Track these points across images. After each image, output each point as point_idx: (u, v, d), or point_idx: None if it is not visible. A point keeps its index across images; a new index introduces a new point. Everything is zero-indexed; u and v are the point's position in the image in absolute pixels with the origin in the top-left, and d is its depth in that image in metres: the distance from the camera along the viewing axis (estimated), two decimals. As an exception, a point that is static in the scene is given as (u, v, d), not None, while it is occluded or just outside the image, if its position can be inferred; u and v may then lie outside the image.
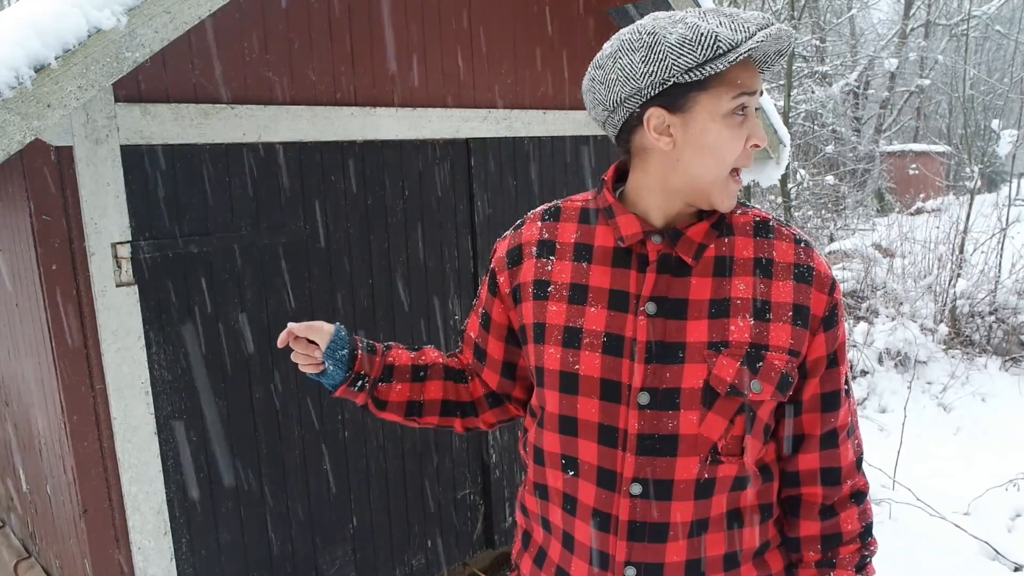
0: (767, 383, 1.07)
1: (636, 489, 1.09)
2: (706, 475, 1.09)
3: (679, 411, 1.07)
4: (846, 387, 1.16)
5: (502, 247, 1.26)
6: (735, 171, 1.10)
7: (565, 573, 1.19)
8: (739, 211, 1.16)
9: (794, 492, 1.18)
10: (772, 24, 1.03)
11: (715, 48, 1.00)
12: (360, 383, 1.27)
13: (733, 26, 1.02)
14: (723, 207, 1.10)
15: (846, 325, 1.18)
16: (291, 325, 1.25)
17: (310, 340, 1.26)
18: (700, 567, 1.12)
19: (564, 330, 1.13)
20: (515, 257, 1.22)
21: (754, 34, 1.01)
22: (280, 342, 1.26)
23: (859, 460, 1.19)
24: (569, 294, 1.15)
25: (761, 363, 1.07)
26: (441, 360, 1.35)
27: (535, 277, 1.18)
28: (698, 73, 1.01)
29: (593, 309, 1.12)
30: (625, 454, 1.09)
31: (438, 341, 2.93)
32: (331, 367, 1.25)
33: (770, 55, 1.07)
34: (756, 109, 1.09)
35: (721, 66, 1.00)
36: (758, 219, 1.15)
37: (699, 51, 1.01)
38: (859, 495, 1.19)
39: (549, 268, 1.18)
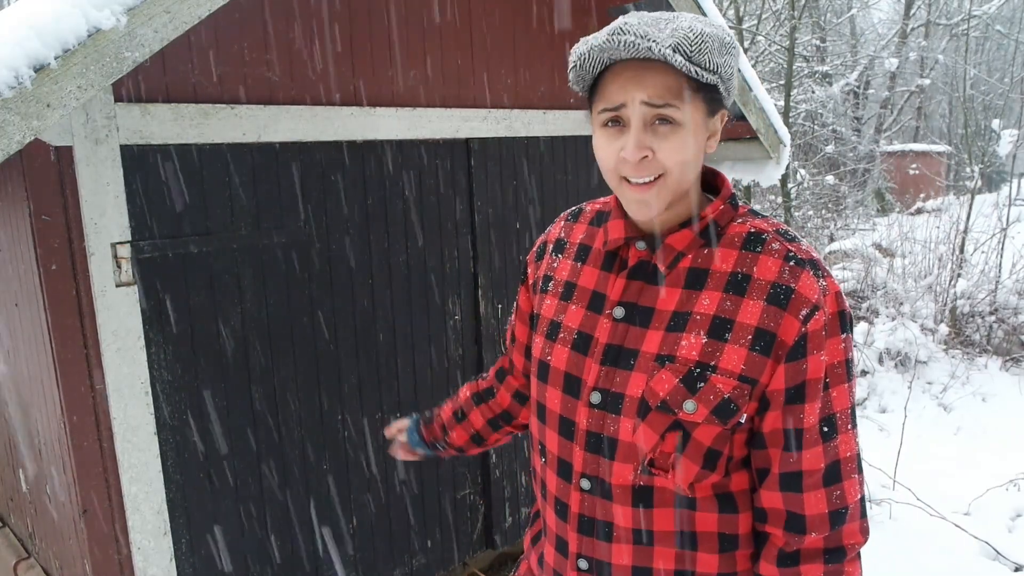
0: (703, 405, 1.02)
1: (585, 484, 1.14)
2: (641, 483, 1.08)
3: (620, 416, 1.08)
4: (824, 428, 1.03)
5: (537, 242, 1.37)
6: (628, 181, 1.05)
7: (542, 554, 1.28)
8: (739, 220, 1.09)
9: (760, 527, 1.11)
10: (614, 32, 0.99)
11: (571, 67, 1.06)
12: (438, 446, 1.59)
13: (585, 42, 1.03)
14: (633, 215, 1.10)
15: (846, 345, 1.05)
16: (386, 431, 1.67)
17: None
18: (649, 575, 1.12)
19: (550, 323, 1.21)
20: (540, 253, 1.32)
21: (584, 50, 1.02)
22: (402, 457, 1.66)
23: (838, 513, 1.04)
24: (562, 291, 1.22)
25: (703, 384, 1.02)
26: (470, 392, 1.56)
27: (545, 272, 1.28)
28: (577, 89, 1.10)
29: (574, 307, 1.18)
30: (576, 448, 1.14)
31: (438, 341, 2.93)
32: (419, 450, 1.61)
33: (588, 69, 1.03)
34: (667, 122, 1.01)
35: (579, 84, 1.07)
36: (753, 231, 1.07)
37: (568, 71, 1.08)
38: (835, 552, 1.05)
39: (555, 265, 1.26)
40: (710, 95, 1.03)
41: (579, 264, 1.21)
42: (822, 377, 1.02)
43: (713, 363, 1.03)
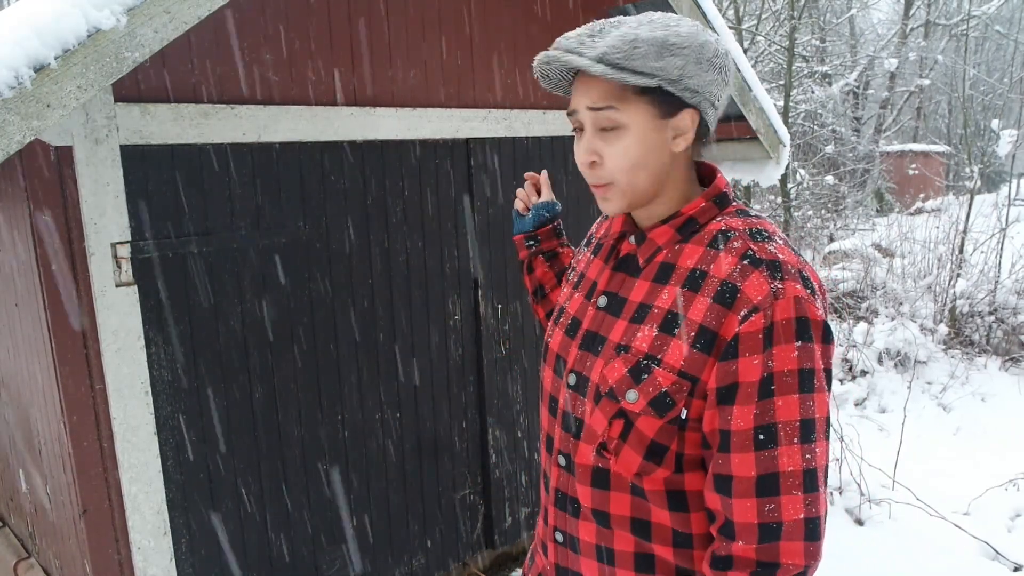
0: (643, 396, 1.04)
1: (561, 460, 1.20)
2: (599, 465, 1.13)
3: (585, 399, 1.14)
4: (760, 436, 0.98)
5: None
6: (596, 186, 1.12)
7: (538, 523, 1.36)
8: (719, 218, 1.10)
9: (710, 526, 1.09)
10: (546, 50, 1.08)
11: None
12: (531, 243, 1.55)
13: (536, 60, 1.12)
14: (604, 211, 1.16)
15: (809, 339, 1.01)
16: (531, 176, 1.60)
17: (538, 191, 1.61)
18: (611, 557, 1.15)
19: (559, 308, 1.29)
20: (579, 248, 1.40)
21: (535, 68, 1.11)
22: (529, 177, 1.60)
23: (769, 527, 0.99)
24: (575, 279, 1.30)
25: (647, 375, 1.05)
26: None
27: (573, 264, 1.37)
28: (562, 94, 1.18)
29: (577, 294, 1.26)
30: (557, 426, 1.21)
31: (438, 341, 2.93)
32: (530, 216, 1.55)
33: (554, 79, 1.12)
34: (612, 127, 1.06)
35: (559, 92, 1.16)
36: (724, 228, 1.08)
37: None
38: (768, 567, 1.00)
39: (579, 257, 1.35)
40: (659, 97, 1.05)
41: (592, 256, 1.28)
42: (756, 382, 0.98)
43: (659, 356, 1.05)
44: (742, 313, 0.99)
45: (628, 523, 1.12)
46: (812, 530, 1.01)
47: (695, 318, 1.02)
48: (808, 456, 1.00)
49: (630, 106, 1.04)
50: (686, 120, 1.07)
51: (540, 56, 1.07)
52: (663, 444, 1.06)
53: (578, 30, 1.07)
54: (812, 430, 1.00)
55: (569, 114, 1.12)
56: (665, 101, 1.05)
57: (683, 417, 1.04)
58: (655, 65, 1.01)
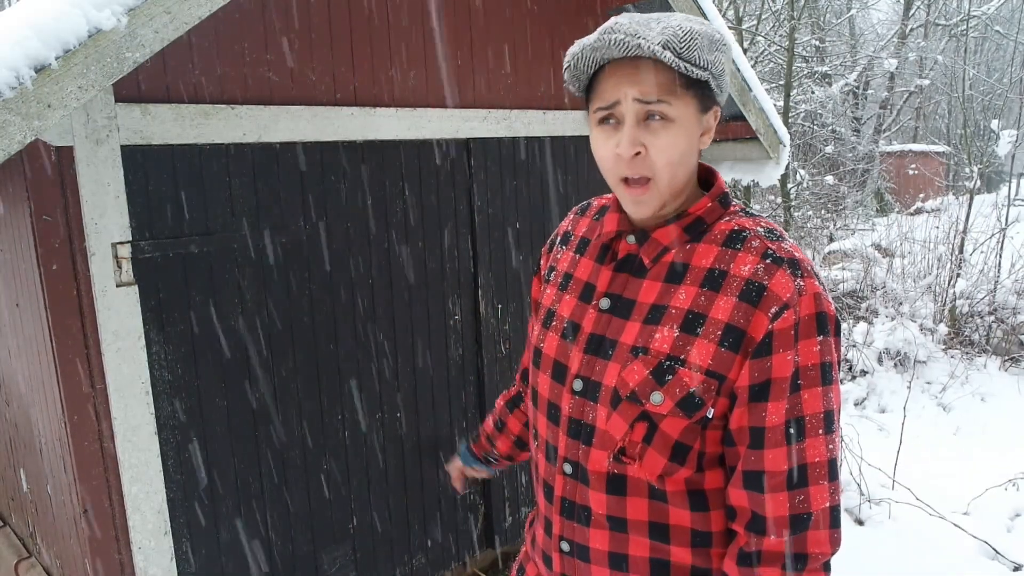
0: (669, 397, 1.04)
1: (567, 468, 1.17)
2: (615, 471, 1.11)
3: (597, 404, 1.12)
4: (790, 430, 1.01)
5: (551, 236, 1.41)
6: (626, 180, 1.08)
7: (535, 534, 1.32)
8: (727, 218, 1.11)
9: (729, 524, 1.10)
10: (604, 31, 1.02)
11: (565, 67, 1.10)
12: (489, 459, 1.64)
13: (578, 44, 1.07)
14: (632, 214, 1.14)
15: (833, 337, 1.04)
16: (452, 472, 1.72)
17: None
18: (625, 563, 1.14)
19: (547, 311, 1.26)
20: (551, 244, 1.37)
21: (577, 51, 1.05)
22: (460, 489, 1.73)
23: (800, 518, 1.02)
24: (561, 281, 1.26)
25: (671, 376, 1.04)
26: (503, 401, 1.61)
27: (551, 263, 1.33)
28: (573, 90, 1.13)
29: (568, 296, 1.22)
30: (561, 433, 1.18)
31: (438, 341, 2.93)
32: (475, 466, 1.67)
33: (582, 69, 1.06)
34: (659, 118, 1.03)
35: (575, 84, 1.10)
36: (737, 228, 1.09)
37: (564, 72, 1.11)
38: (797, 559, 1.03)
39: (559, 256, 1.31)
40: (701, 91, 1.05)
41: (578, 256, 1.25)
42: (788, 377, 1.00)
43: (682, 357, 1.04)
44: (772, 311, 1.00)
45: (646, 528, 1.11)
46: (835, 518, 1.05)
47: (720, 317, 1.02)
48: (831, 446, 1.03)
49: (679, 100, 1.03)
50: (714, 117, 1.10)
51: (599, 36, 1.01)
52: (687, 444, 1.07)
53: (625, 19, 1.04)
54: (832, 420, 1.04)
55: (602, 107, 1.06)
56: (705, 96, 1.06)
57: (708, 416, 1.05)
58: (708, 58, 1.02)
